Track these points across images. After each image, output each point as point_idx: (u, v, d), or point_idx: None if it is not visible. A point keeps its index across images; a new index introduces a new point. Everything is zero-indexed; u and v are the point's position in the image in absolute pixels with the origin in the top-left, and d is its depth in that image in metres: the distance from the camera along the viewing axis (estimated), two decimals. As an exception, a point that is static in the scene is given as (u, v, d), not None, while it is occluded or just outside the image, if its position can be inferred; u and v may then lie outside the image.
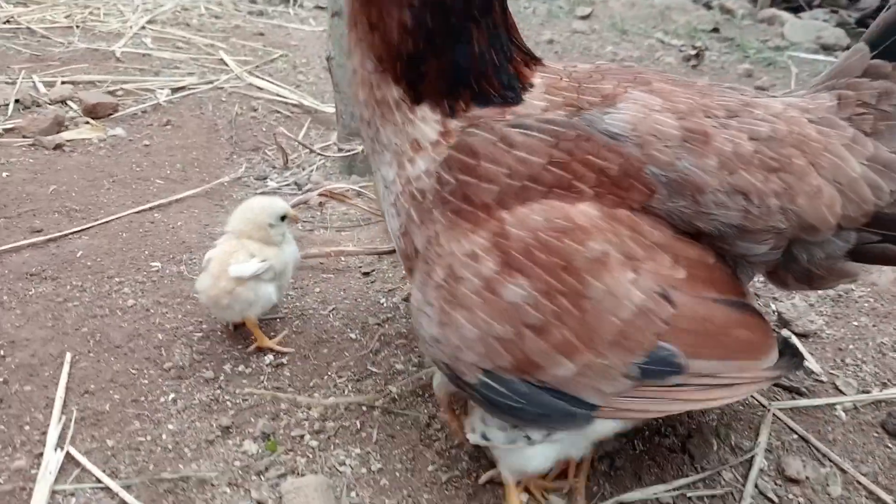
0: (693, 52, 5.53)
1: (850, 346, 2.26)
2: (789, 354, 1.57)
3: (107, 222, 2.67)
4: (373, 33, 1.41)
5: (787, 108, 1.49)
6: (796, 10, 7.23)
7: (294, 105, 4.07)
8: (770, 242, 1.47)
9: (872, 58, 1.42)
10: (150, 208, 2.80)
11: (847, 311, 2.45)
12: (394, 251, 2.56)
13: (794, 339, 2.24)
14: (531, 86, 1.49)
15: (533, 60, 1.55)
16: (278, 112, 3.95)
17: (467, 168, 1.41)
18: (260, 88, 4.26)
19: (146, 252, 2.49)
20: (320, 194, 2.90)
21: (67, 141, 3.33)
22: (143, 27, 5.37)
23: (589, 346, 1.35)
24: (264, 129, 3.73)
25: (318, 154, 3.27)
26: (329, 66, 3.23)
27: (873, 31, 1.43)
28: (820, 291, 2.54)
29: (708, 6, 7.37)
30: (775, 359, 1.50)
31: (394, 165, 1.51)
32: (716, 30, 6.51)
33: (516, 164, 1.40)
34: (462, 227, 1.40)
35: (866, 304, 2.48)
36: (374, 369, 2.00)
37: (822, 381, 2.09)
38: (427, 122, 1.46)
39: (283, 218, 2.09)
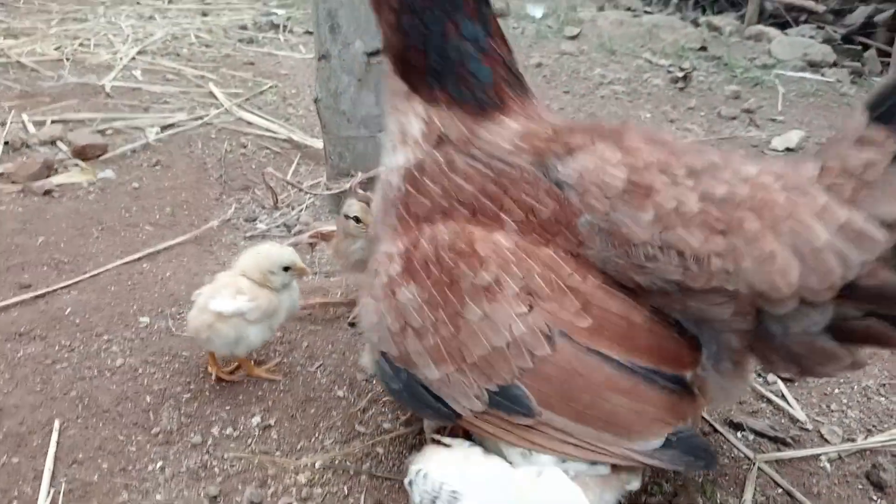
0: (680, 74, 5.56)
1: (836, 391, 2.28)
2: (694, 455, 1.46)
3: (95, 275, 2.68)
4: (380, 31, 1.65)
5: (761, 173, 1.45)
6: (783, 26, 7.28)
7: (284, 140, 4.09)
8: (728, 307, 1.41)
9: (869, 122, 1.36)
10: (139, 258, 2.81)
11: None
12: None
13: (712, 446, 1.97)
14: (511, 111, 1.60)
15: (523, 92, 1.64)
16: (268, 148, 3.97)
17: (414, 182, 1.60)
18: (249, 123, 4.28)
19: (134, 307, 2.50)
20: (311, 236, 2.91)
21: (57, 186, 3.35)
22: (134, 58, 5.40)
23: (452, 360, 1.47)
24: (254, 167, 3.75)
25: (308, 193, 3.29)
26: (317, 107, 3.25)
27: (874, 93, 1.39)
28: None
29: (695, 23, 7.43)
30: (656, 445, 1.43)
31: (386, 151, 1.70)
32: (703, 48, 6.55)
33: (451, 186, 1.55)
34: (396, 231, 1.60)
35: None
36: (362, 429, 2.01)
37: (807, 430, 2.11)
38: (417, 117, 1.63)
39: (286, 269, 2.14)
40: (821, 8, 7.37)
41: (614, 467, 1.49)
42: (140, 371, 2.20)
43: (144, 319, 2.44)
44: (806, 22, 7.38)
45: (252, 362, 2.21)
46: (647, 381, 1.42)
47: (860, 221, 1.32)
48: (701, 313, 1.45)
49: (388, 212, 1.65)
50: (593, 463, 1.47)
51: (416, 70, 1.61)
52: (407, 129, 1.64)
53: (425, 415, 1.63)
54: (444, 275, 1.48)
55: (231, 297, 2.05)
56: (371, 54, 3.03)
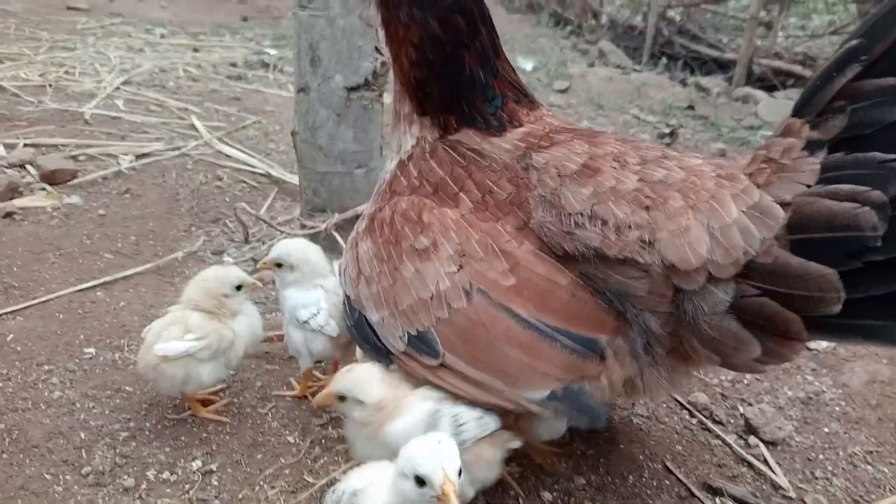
0: (667, 131, 5.56)
1: (821, 457, 2.15)
2: (579, 410, 1.55)
3: (45, 301, 2.53)
4: (395, 63, 1.84)
5: (702, 164, 1.59)
6: (770, 89, 7.36)
7: (262, 174, 3.99)
8: (643, 282, 1.51)
9: (792, 115, 1.46)
10: (94, 286, 2.67)
11: (817, 415, 2.35)
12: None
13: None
14: (520, 124, 1.80)
15: (530, 105, 1.86)
16: (244, 182, 3.87)
17: (401, 166, 1.87)
18: (228, 156, 4.18)
19: (82, 336, 2.36)
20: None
21: (19, 209, 3.22)
22: (118, 88, 5.33)
23: (387, 306, 1.73)
24: (228, 200, 3.64)
25: (279, 230, 3.17)
26: (294, 140, 3.16)
27: (800, 96, 1.48)
28: (789, 393, 2.44)
29: (684, 83, 7.50)
30: (541, 397, 1.55)
31: (386, 160, 1.97)
32: (691, 107, 6.59)
33: (425, 169, 1.80)
34: (374, 200, 1.92)
35: (837, 408, 2.38)
36: (311, 479, 1.86)
37: (790, 498, 1.97)
38: (412, 137, 1.87)
39: (239, 288, 2.03)
40: (808, 73, 7.46)
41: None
42: (78, 405, 2.05)
43: (90, 350, 2.29)
44: (793, 86, 7.47)
45: (198, 401, 2.06)
46: (546, 339, 1.54)
47: (767, 201, 1.42)
48: (620, 286, 1.55)
49: (378, 194, 1.92)
50: (481, 417, 1.62)
51: (431, 99, 1.82)
52: (402, 144, 1.90)
53: (367, 350, 1.83)
54: (392, 235, 1.75)
55: (179, 337, 1.91)
56: (351, 89, 2.96)
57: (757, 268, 1.42)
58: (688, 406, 2.31)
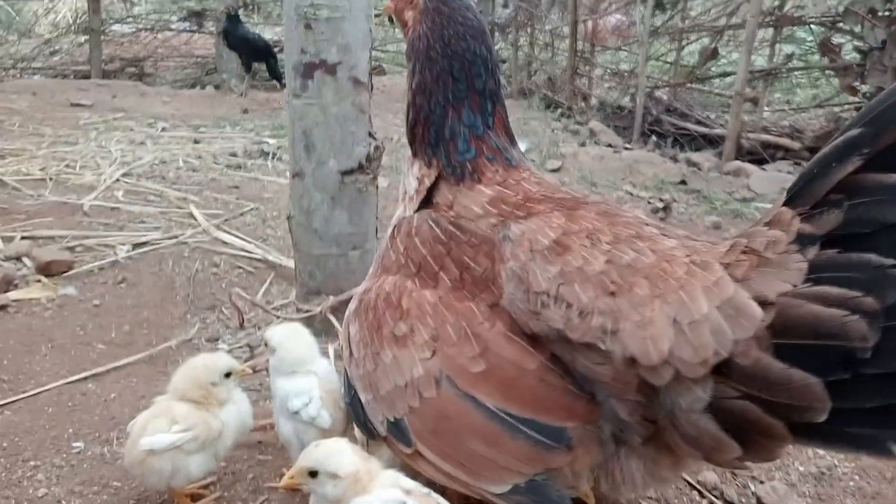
0: (661, 205, 5.61)
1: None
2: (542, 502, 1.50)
3: (35, 395, 2.48)
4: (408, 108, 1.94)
5: (675, 247, 1.51)
6: (760, 162, 7.47)
7: (258, 260, 4.00)
8: (606, 368, 1.44)
9: (782, 205, 1.36)
10: (85, 378, 2.63)
11: (831, 491, 2.26)
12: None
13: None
14: (480, 179, 1.82)
15: (506, 164, 1.85)
16: (241, 268, 3.87)
17: (392, 239, 1.90)
18: (225, 243, 4.20)
19: (70, 430, 2.30)
20: (267, 360, 2.74)
21: (13, 301, 3.21)
22: (118, 180, 5.42)
23: (371, 390, 1.74)
24: (224, 286, 3.63)
25: (274, 315, 3.15)
26: (290, 225, 3.19)
27: (793, 183, 1.39)
28: (801, 468, 2.36)
29: (675, 159, 7.62)
30: (505, 489, 1.51)
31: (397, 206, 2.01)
32: (683, 182, 6.67)
33: (409, 247, 1.82)
34: (369, 276, 1.95)
35: (851, 483, 2.30)
36: (305, 575, 1.77)
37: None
38: (414, 177, 1.91)
39: (228, 375, 1.99)
40: (797, 145, 7.60)
41: None
42: (63, 502, 1.97)
43: (78, 444, 2.23)
44: (783, 158, 7.59)
45: (187, 496, 1.99)
46: (510, 430, 1.50)
47: (743, 298, 1.32)
48: (586, 370, 1.49)
49: (379, 258, 1.96)
50: None
51: (420, 140, 1.90)
52: (407, 187, 1.95)
53: (360, 428, 1.85)
54: (375, 320, 1.77)
55: (165, 429, 1.86)
56: (345, 173, 3.01)
57: (735, 370, 1.31)
58: (697, 486, 2.23)
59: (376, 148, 3.08)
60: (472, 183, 1.82)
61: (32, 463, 2.13)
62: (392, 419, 1.68)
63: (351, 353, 1.83)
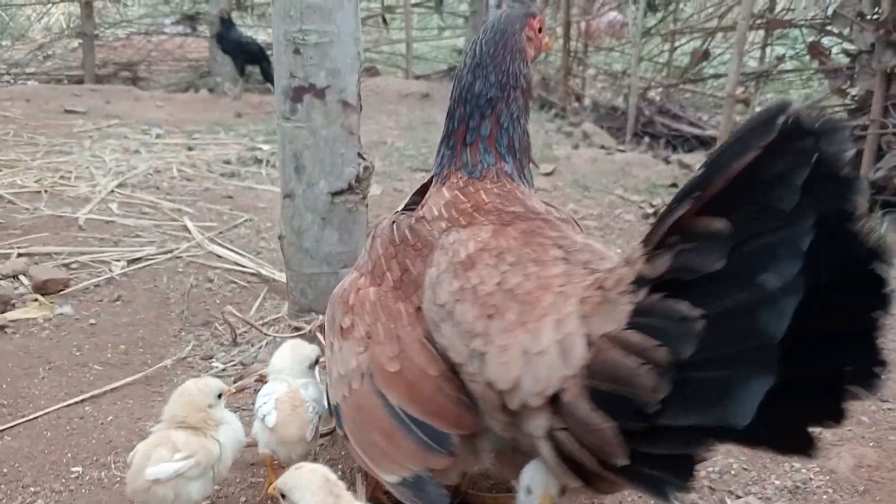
0: (651, 211, 5.69)
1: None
2: (422, 499, 1.61)
3: (33, 419, 2.55)
4: None
5: (558, 275, 1.54)
6: (751, 164, 7.54)
7: (252, 274, 4.06)
8: (477, 386, 1.53)
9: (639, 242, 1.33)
10: (82, 400, 2.69)
11: (806, 505, 2.34)
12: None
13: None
14: (443, 183, 2.00)
15: (470, 173, 1.98)
16: (235, 283, 3.94)
17: (370, 238, 2.05)
18: (219, 257, 4.26)
19: (69, 454, 2.36)
20: (256, 380, 2.81)
21: (11, 321, 3.26)
22: (112, 191, 5.47)
23: (329, 375, 1.93)
24: (218, 302, 3.69)
25: (265, 334, 3.21)
26: (281, 244, 3.25)
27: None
28: (777, 482, 2.43)
29: (667, 161, 7.68)
30: (396, 480, 1.64)
31: None
32: (674, 185, 6.74)
33: (372, 247, 1.99)
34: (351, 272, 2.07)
35: (825, 496, 2.37)
36: None
37: None
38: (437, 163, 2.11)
39: (219, 396, 2.09)
40: (786, 148, 7.67)
41: None
42: (61, 529, 2.04)
43: (77, 469, 2.30)
44: (772, 160, 7.65)
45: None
46: (405, 429, 1.62)
47: (577, 336, 1.34)
48: (466, 385, 1.59)
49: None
50: None
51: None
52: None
53: (330, 409, 2.01)
54: (333, 312, 1.96)
55: (168, 458, 1.92)
56: (335, 194, 3.07)
57: (561, 404, 1.35)
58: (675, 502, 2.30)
59: (365, 168, 3.14)
60: (440, 185, 2.01)
61: (32, 489, 2.20)
62: (335, 404, 1.86)
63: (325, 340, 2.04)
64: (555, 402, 1.36)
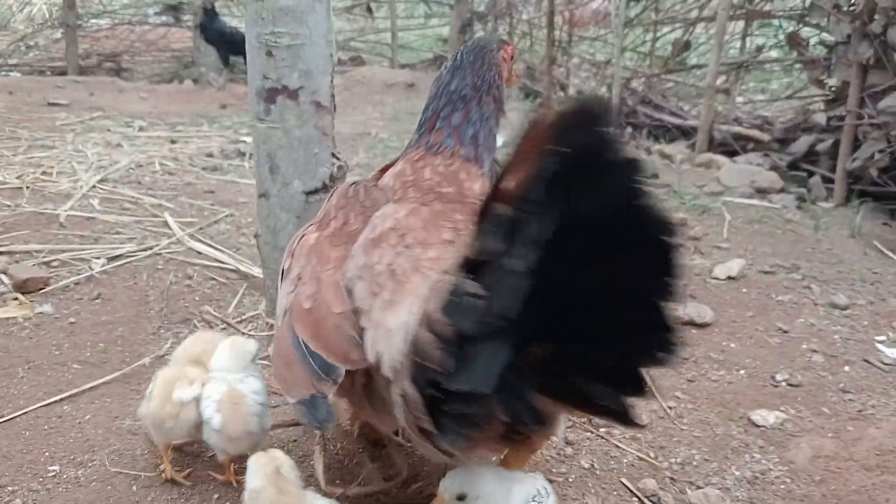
0: (630, 203, 5.74)
1: None
2: (312, 416, 1.73)
3: (12, 419, 2.60)
4: None
5: (434, 257, 1.74)
6: (732, 154, 7.61)
7: (231, 270, 4.10)
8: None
9: None
10: (61, 400, 2.74)
11: (763, 495, 2.42)
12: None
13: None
14: (404, 159, 2.25)
15: (426, 149, 2.22)
16: (214, 279, 3.98)
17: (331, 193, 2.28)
18: (199, 253, 4.30)
19: (46, 454, 2.42)
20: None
21: (-9, 321, 3.31)
22: (94, 187, 5.48)
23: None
24: (197, 299, 3.74)
25: (241, 332, 3.27)
26: (257, 243, 3.29)
27: None
28: (737, 473, 2.52)
29: (648, 151, 7.74)
30: (294, 401, 1.78)
31: None
32: (655, 175, 6.80)
33: (329, 200, 2.20)
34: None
35: (783, 486, 2.46)
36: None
37: (735, 585, 2.04)
38: None
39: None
40: (766, 137, 7.74)
41: None
42: (39, 528, 2.10)
43: (54, 468, 2.35)
44: (753, 150, 7.72)
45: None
46: (302, 359, 1.77)
47: (416, 316, 1.46)
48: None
49: None
50: None
51: None
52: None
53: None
54: (283, 259, 2.10)
55: (188, 387, 2.23)
56: (309, 193, 3.11)
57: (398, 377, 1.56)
58: (637, 493, 2.38)
59: (339, 168, 3.19)
60: (401, 158, 2.26)
61: (10, 488, 2.25)
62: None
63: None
64: (398, 375, 1.53)
